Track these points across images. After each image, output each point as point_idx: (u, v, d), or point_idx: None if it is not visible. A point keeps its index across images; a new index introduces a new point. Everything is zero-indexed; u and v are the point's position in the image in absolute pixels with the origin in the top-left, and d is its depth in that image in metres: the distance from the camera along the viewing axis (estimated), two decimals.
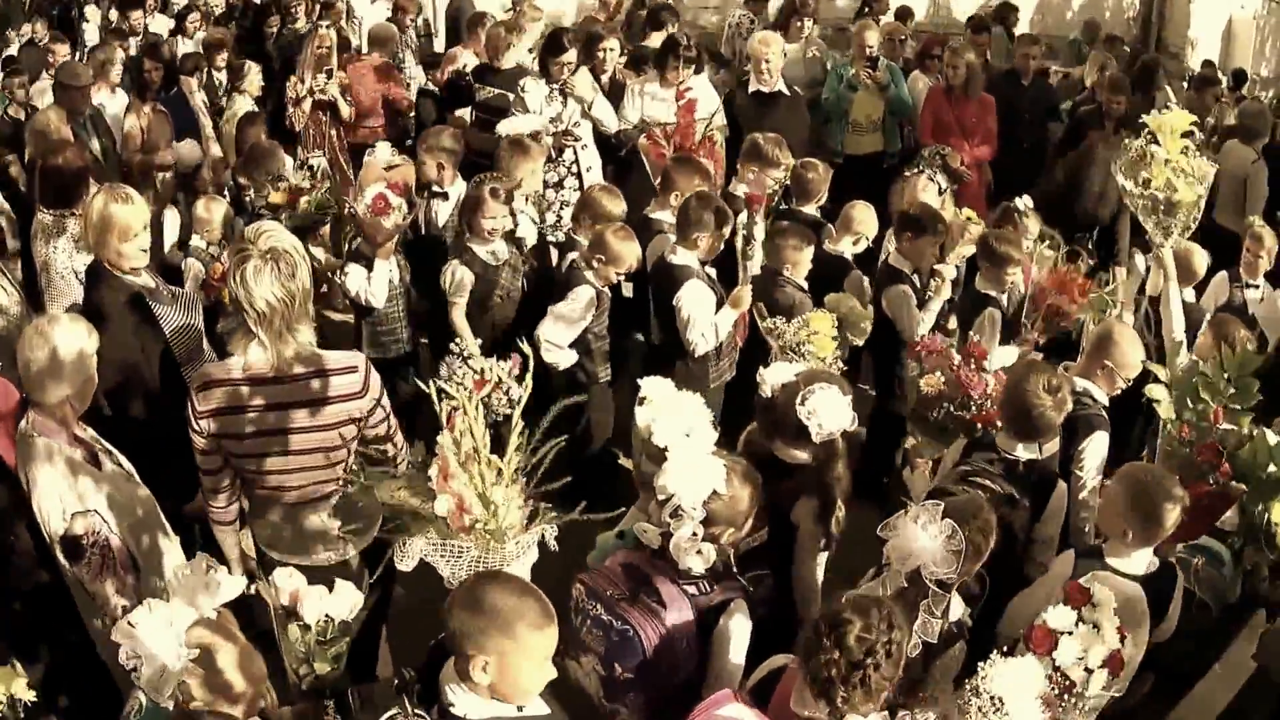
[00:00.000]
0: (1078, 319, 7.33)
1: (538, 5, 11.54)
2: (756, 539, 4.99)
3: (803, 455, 5.14)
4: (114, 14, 15.28)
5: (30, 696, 4.13)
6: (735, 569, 4.67)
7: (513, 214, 7.56)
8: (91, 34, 14.88)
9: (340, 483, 4.89)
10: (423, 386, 4.37)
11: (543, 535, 4.25)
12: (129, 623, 3.61)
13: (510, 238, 7.58)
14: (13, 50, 13.98)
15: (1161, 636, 4.96)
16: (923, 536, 4.39)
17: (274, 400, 4.69)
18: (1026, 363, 5.92)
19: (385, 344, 7.68)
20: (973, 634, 4.75)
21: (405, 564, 4.22)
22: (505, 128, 9.32)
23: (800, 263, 7.43)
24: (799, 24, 11.96)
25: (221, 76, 12.30)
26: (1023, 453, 5.48)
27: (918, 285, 7.57)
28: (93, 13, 15.53)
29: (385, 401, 4.88)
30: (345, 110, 10.93)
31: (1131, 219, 7.73)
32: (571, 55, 9.70)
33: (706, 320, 7.00)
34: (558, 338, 7.18)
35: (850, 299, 7.02)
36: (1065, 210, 8.97)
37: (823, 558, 5.16)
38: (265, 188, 8.11)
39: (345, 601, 4.28)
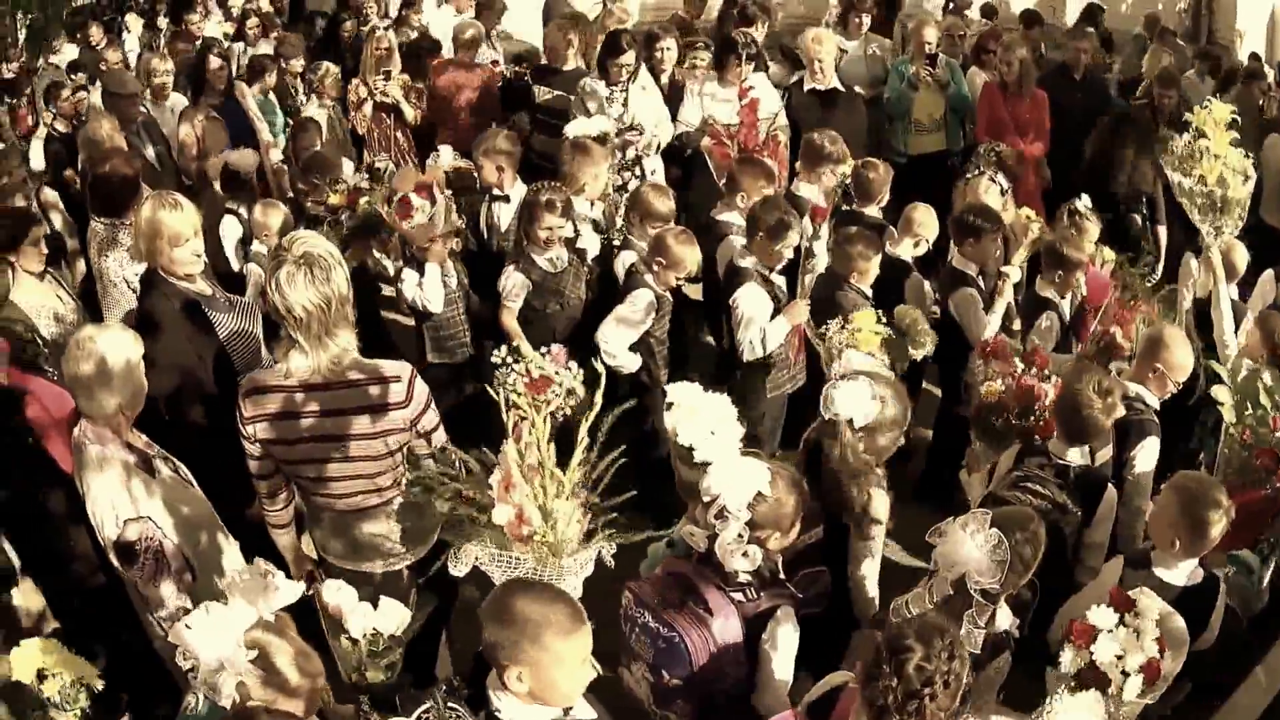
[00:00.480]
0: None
1: (626, 8, 11.59)
2: (812, 536, 5.03)
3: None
4: (162, 20, 15.43)
5: (99, 684, 4.30)
6: (784, 575, 4.69)
7: (573, 221, 7.56)
8: (131, 43, 14.97)
9: (393, 492, 4.96)
10: (492, 392, 4.51)
11: (600, 552, 4.31)
12: (186, 625, 3.69)
13: (571, 245, 7.57)
14: (56, 58, 14.08)
15: (1202, 646, 4.95)
16: (969, 545, 4.44)
17: (316, 406, 4.76)
18: (1079, 365, 5.97)
19: (449, 348, 7.75)
20: (1024, 642, 4.79)
21: (459, 569, 4.31)
22: (574, 129, 9.28)
23: (867, 271, 7.39)
24: (857, 21, 11.95)
25: (296, 81, 12.34)
26: (1075, 458, 5.52)
27: (983, 287, 7.54)
28: (134, 21, 15.64)
29: (433, 415, 4.91)
30: (410, 113, 10.91)
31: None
32: (630, 57, 9.73)
33: (759, 326, 7.01)
34: (617, 342, 7.18)
35: (915, 312, 6.98)
36: (1102, 187, 9.00)
37: (876, 553, 5.19)
38: (324, 191, 8.15)
39: (391, 619, 4.36)
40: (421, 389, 4.83)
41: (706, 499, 4.46)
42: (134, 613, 5.18)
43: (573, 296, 7.49)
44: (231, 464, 5.16)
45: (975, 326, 7.35)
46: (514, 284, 7.33)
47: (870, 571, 5.18)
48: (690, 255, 7.17)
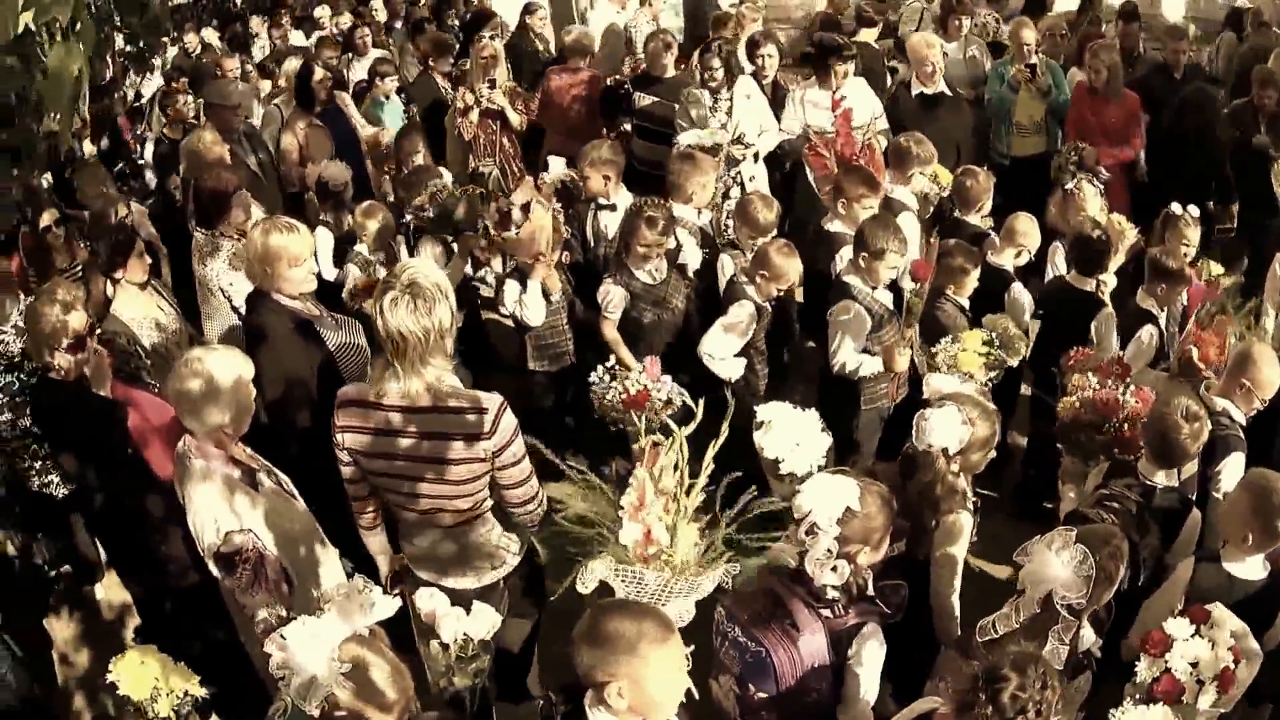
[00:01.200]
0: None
1: (759, 5, 11.61)
2: (894, 549, 5.07)
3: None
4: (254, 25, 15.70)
5: (202, 692, 4.47)
6: (873, 592, 4.73)
7: (674, 234, 7.63)
8: (259, 51, 15.24)
9: (472, 515, 5.06)
10: (635, 421, 4.67)
11: (722, 577, 4.41)
12: (281, 635, 3.81)
13: (672, 259, 7.64)
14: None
15: (1270, 644, 4.98)
16: (1055, 562, 4.53)
17: (401, 428, 4.85)
18: (1169, 387, 6.00)
19: (551, 356, 7.93)
20: (1100, 661, 4.87)
21: (585, 586, 4.39)
22: (688, 139, 9.44)
23: (965, 284, 7.45)
24: (956, 23, 11.84)
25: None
26: (1161, 479, 5.58)
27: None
28: (259, 24, 15.91)
29: (516, 449, 4.91)
30: (515, 119, 10.98)
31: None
32: (718, 63, 9.80)
33: (850, 347, 7.01)
34: (720, 350, 7.23)
35: (1006, 320, 6.98)
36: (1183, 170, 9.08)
37: (956, 574, 5.24)
38: (421, 197, 8.27)
39: (483, 623, 4.50)
40: (508, 423, 4.85)
41: (797, 515, 4.52)
42: (225, 614, 5.38)
43: (674, 307, 7.54)
44: (335, 473, 5.28)
45: (1110, 343, 7.33)
46: (612, 297, 7.44)
47: (951, 592, 5.25)
48: (792, 267, 7.24)
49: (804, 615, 4.49)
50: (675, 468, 4.33)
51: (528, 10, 14.17)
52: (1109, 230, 7.82)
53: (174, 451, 5.36)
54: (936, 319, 7.24)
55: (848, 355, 7.00)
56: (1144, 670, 4.51)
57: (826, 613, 4.50)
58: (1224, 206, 10.03)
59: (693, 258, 7.98)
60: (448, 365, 4.84)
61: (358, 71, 13.28)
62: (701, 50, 10.28)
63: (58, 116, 5.95)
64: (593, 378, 6.36)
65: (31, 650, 6.22)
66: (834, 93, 9.80)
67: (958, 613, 5.24)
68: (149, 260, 7.52)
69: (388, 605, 3.98)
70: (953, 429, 5.12)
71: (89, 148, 12.18)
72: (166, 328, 7.37)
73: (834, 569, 4.44)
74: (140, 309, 7.31)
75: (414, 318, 4.61)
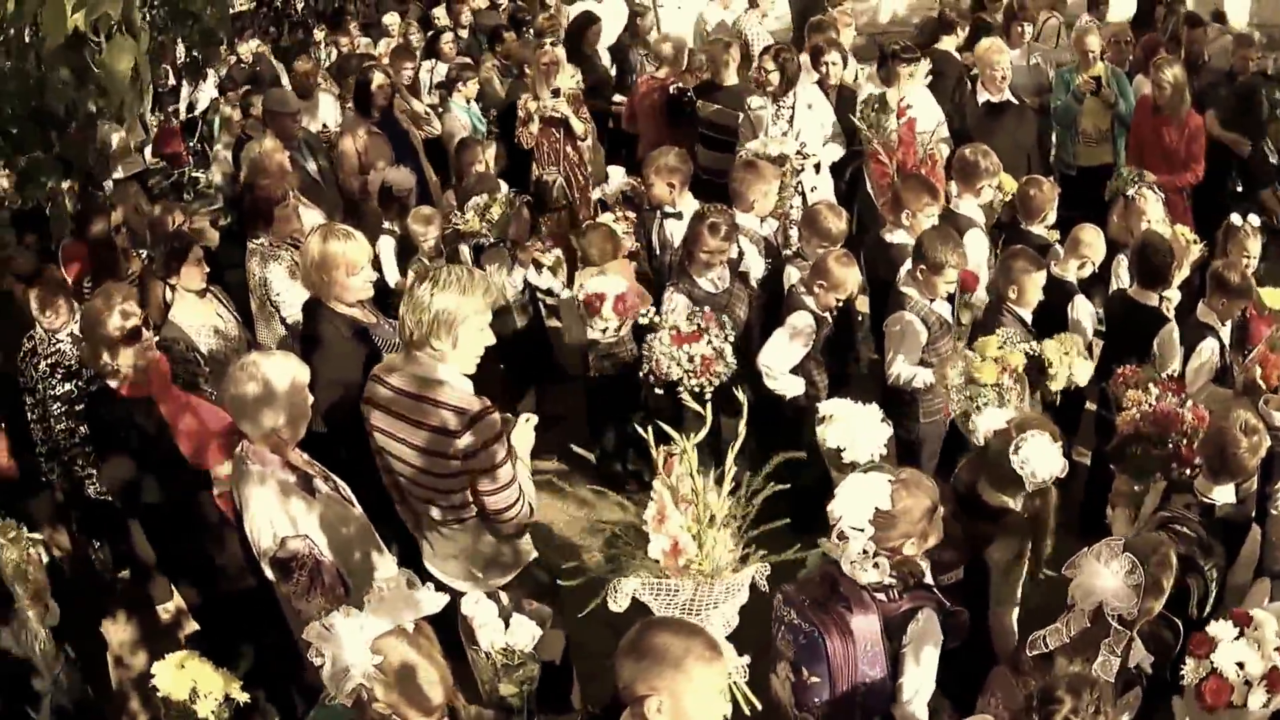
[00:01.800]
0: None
1: (849, 12, 11.71)
2: (953, 577, 5.13)
3: (1009, 501, 5.31)
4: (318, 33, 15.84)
5: (244, 697, 4.56)
6: (930, 579, 4.79)
7: (737, 242, 7.68)
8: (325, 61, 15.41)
9: (466, 513, 5.19)
10: (641, 432, 4.56)
11: (754, 577, 4.42)
12: (324, 625, 3.89)
13: (734, 267, 7.68)
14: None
15: None
16: (1104, 573, 4.53)
17: (388, 405, 5.17)
18: (1229, 401, 5.94)
19: (614, 362, 8.05)
20: (1167, 685, 4.79)
21: (617, 604, 4.39)
22: (754, 146, 9.45)
23: (1027, 290, 7.25)
24: (1019, 29, 11.79)
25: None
26: (1219, 496, 5.49)
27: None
28: (320, 35, 16.08)
29: (489, 457, 5.01)
30: (579, 127, 11.01)
31: None
32: (771, 65, 9.89)
33: (906, 360, 7.04)
34: (778, 363, 7.25)
35: (1074, 340, 6.79)
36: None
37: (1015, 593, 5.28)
38: (468, 211, 8.35)
39: (524, 635, 4.53)
40: (484, 429, 4.97)
41: (830, 521, 4.59)
42: (281, 618, 5.43)
43: (736, 316, 7.49)
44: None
45: (1173, 358, 7.22)
46: (675, 305, 7.42)
47: (1010, 611, 5.31)
48: (851, 277, 7.24)
49: (858, 596, 4.53)
50: (691, 474, 4.33)
51: (637, 15, 14.31)
52: (1173, 242, 7.75)
53: (230, 457, 5.47)
54: (995, 329, 6.98)
55: (902, 367, 7.03)
56: (1190, 671, 4.47)
57: (881, 596, 4.54)
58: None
59: (755, 266, 8.05)
60: (448, 358, 5.02)
61: (437, 76, 13.44)
62: (760, 54, 10.32)
63: (121, 125, 6.06)
64: (641, 320, 6.74)
65: (87, 654, 6.34)
66: (899, 101, 9.75)
67: (1015, 629, 5.28)
68: (206, 268, 7.63)
69: (433, 600, 4.05)
70: (1052, 454, 5.14)
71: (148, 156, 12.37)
72: (226, 334, 7.50)
73: (875, 565, 4.52)
74: (198, 316, 7.46)
75: (424, 300, 4.91)
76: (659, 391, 7.06)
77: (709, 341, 6.79)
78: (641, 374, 7.13)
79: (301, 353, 5.99)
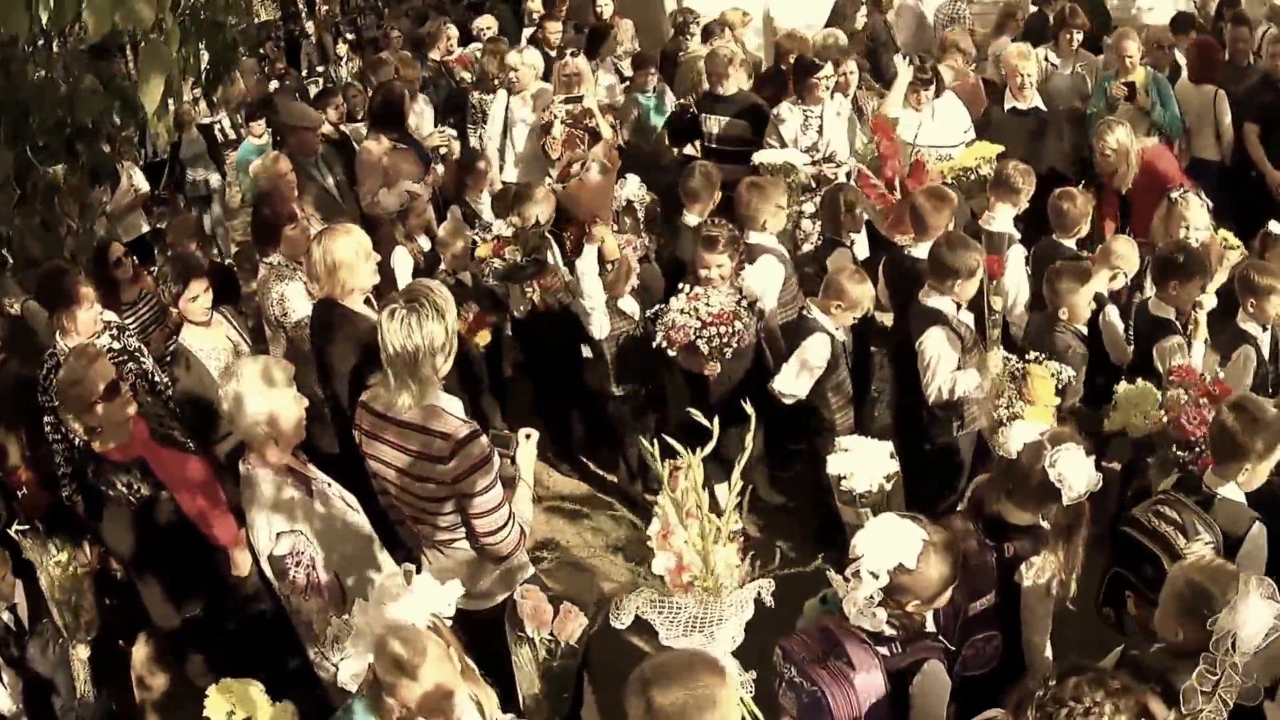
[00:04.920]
0: None
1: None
2: (986, 602, 5.18)
3: (1036, 519, 5.32)
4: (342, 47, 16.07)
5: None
6: (932, 628, 4.81)
7: (743, 254, 7.83)
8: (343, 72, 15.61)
9: (454, 535, 5.36)
10: (645, 446, 4.75)
11: (758, 592, 4.57)
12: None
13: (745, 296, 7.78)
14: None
15: None
16: (1264, 610, 4.47)
17: (378, 432, 5.32)
18: (1238, 397, 5.95)
19: (639, 375, 8.27)
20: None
21: (621, 621, 4.58)
22: (761, 157, 9.65)
23: (1075, 305, 7.42)
24: (1068, 37, 11.80)
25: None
26: (1225, 491, 5.59)
27: (1181, 330, 7.44)
28: (343, 49, 16.31)
29: (477, 481, 5.13)
30: (608, 133, 11.15)
31: None
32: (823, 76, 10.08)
33: (946, 372, 7.01)
34: (795, 388, 7.41)
35: (1151, 393, 6.79)
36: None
37: (1048, 615, 5.32)
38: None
39: (574, 625, 4.81)
40: (470, 455, 5.10)
41: (851, 554, 4.58)
42: (295, 639, 5.61)
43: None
44: None
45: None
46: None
47: (1044, 634, 5.32)
48: (865, 293, 7.42)
49: (860, 654, 4.49)
50: (695, 489, 4.48)
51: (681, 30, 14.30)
52: (1208, 247, 7.85)
53: (208, 503, 5.96)
54: (1052, 345, 7.29)
55: (943, 380, 7.02)
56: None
57: (884, 650, 4.52)
58: None
59: (773, 284, 8.18)
60: (434, 385, 5.20)
61: None
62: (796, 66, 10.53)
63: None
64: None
65: (110, 673, 6.60)
66: (920, 107, 10.09)
67: (1050, 652, 5.30)
68: (207, 304, 7.75)
69: (450, 592, 4.34)
70: (1087, 467, 5.14)
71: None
72: (242, 354, 7.68)
73: (874, 615, 4.50)
74: (209, 340, 7.67)
75: (405, 334, 5.02)
76: (671, 353, 7.35)
77: (726, 296, 7.02)
78: (654, 344, 7.38)
79: (315, 350, 6.33)
